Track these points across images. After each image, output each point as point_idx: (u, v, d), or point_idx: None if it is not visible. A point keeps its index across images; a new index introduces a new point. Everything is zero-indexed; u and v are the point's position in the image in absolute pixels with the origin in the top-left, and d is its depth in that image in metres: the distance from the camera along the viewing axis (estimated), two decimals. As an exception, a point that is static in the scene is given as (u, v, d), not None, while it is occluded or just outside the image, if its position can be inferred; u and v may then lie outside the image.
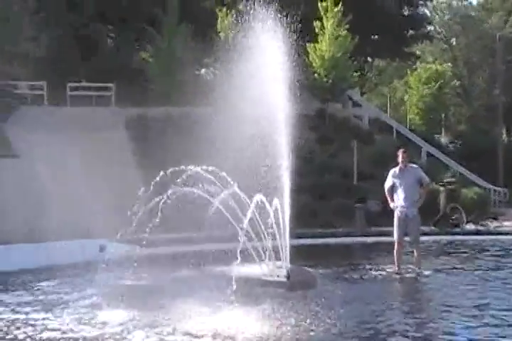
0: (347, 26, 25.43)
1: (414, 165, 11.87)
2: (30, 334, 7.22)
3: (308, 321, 7.54)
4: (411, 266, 11.46)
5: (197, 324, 7.37)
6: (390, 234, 11.82)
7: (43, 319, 7.91)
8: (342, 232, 17.64)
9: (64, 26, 27.25)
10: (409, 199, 11.36)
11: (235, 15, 25.21)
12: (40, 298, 9.47)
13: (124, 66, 29.30)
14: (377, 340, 6.96)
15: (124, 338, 6.90)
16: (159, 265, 11.63)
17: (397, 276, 11.14)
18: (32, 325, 7.60)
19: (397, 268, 11.38)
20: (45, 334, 7.18)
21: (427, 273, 11.17)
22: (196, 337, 6.91)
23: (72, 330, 7.31)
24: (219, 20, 25.61)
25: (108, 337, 6.94)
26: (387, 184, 11.62)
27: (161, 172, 10.30)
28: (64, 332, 7.23)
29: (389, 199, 11.58)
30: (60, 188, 17.77)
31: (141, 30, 27.74)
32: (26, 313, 8.29)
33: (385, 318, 7.94)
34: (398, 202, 11.43)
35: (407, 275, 11.17)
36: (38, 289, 10.18)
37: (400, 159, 11.51)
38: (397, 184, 11.46)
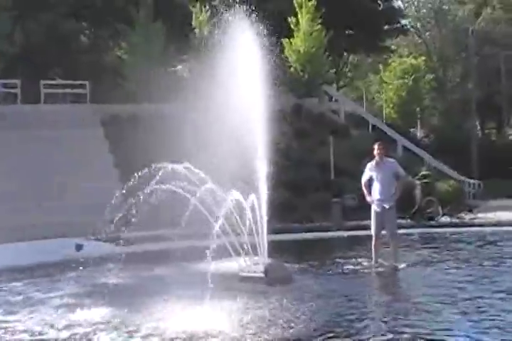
0: (320, 20, 25.54)
1: (390, 159, 11.88)
2: (3, 335, 7.17)
3: (285, 316, 7.56)
4: (388, 260, 11.51)
5: (168, 323, 7.29)
6: (367, 228, 11.88)
7: (14, 321, 7.85)
8: (319, 227, 17.71)
9: (38, 23, 27.03)
10: (385, 193, 11.40)
11: (209, 12, 25.23)
12: (12, 298, 9.38)
13: (99, 63, 29.15)
14: (353, 334, 7.01)
15: (90, 340, 6.84)
16: (136, 263, 11.62)
17: (374, 270, 11.20)
18: (3, 328, 7.53)
19: (373, 262, 11.44)
20: (15, 337, 7.11)
21: (402, 266, 11.24)
22: (164, 337, 6.82)
23: (41, 332, 7.23)
24: (193, 17, 25.56)
25: (76, 339, 6.87)
26: (364, 178, 11.66)
27: (138, 170, 10.30)
28: (33, 335, 7.17)
29: (365, 193, 11.62)
30: (34, 187, 17.68)
31: (116, 28, 27.61)
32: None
33: (362, 312, 8.00)
34: (375, 195, 11.48)
35: (384, 269, 11.22)
36: (10, 289, 10.08)
37: (376, 152, 11.55)
38: (374, 177, 11.50)
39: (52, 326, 7.49)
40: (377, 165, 11.52)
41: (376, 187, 11.46)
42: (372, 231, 11.54)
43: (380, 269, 11.20)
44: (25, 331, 7.33)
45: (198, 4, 25.94)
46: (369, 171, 11.58)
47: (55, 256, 13.09)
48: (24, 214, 16.48)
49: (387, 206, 11.36)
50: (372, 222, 11.55)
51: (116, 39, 29.80)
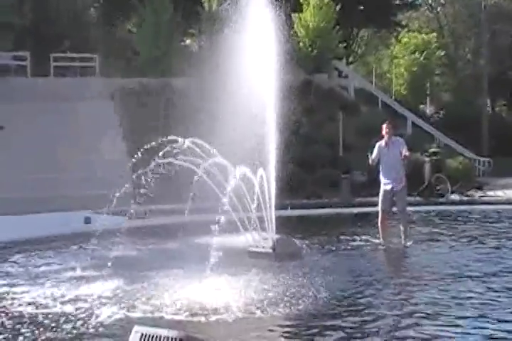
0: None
1: (398, 138, 11.80)
2: (8, 307, 7.22)
3: (293, 293, 7.56)
4: (396, 237, 11.49)
5: (173, 298, 7.27)
6: (376, 204, 11.84)
7: (21, 292, 7.88)
8: (327, 203, 17.70)
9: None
10: (394, 173, 11.34)
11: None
12: (19, 271, 9.43)
13: (109, 37, 29.03)
14: (361, 310, 7.03)
15: (92, 314, 6.86)
16: (144, 236, 11.67)
17: (382, 247, 11.19)
18: (10, 299, 7.57)
19: (381, 239, 11.42)
20: (21, 309, 7.15)
21: (409, 243, 11.23)
22: (167, 312, 6.77)
23: (46, 305, 7.25)
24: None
25: (77, 313, 6.86)
26: (373, 156, 11.54)
27: (147, 143, 10.28)
28: (38, 307, 7.19)
29: (370, 159, 11.49)
30: (44, 160, 17.70)
31: (126, 1, 27.43)
32: (4, 286, 8.30)
33: (370, 288, 8.00)
34: (384, 175, 11.42)
35: (392, 245, 11.21)
36: (17, 262, 10.14)
37: (384, 132, 11.47)
38: (383, 157, 11.42)
39: (57, 299, 7.51)
40: (386, 145, 11.45)
41: (385, 167, 11.39)
42: (380, 207, 11.49)
43: (388, 246, 11.19)
44: (30, 303, 7.36)
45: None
46: (378, 151, 11.48)
47: (64, 228, 13.14)
48: (33, 187, 16.54)
49: (397, 188, 11.29)
50: (380, 199, 11.49)
51: (126, 12, 29.64)
